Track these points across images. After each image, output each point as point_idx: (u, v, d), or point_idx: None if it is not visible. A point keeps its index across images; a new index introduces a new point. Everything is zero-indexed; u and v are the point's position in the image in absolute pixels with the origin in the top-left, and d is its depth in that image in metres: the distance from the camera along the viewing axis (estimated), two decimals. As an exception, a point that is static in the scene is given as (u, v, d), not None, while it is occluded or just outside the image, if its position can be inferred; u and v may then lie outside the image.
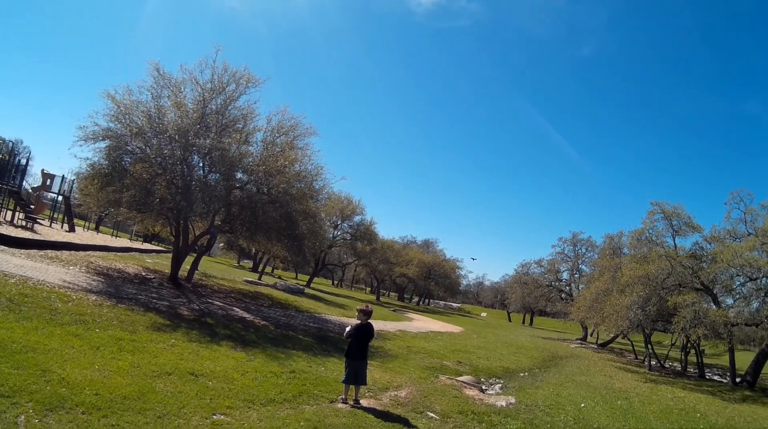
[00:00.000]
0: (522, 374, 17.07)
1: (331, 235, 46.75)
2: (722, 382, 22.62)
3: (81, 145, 15.80)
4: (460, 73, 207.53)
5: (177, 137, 16.09)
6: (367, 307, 8.96)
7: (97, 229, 39.70)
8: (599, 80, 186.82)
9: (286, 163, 17.82)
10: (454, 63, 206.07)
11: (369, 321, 8.70)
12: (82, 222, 40.21)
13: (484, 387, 13.30)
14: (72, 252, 19.02)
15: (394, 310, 38.87)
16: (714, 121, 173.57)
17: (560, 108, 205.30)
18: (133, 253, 27.19)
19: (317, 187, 20.56)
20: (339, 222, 47.99)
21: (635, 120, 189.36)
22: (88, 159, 16.58)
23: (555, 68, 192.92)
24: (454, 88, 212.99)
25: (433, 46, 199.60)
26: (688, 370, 25.40)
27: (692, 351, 25.10)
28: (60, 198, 30.74)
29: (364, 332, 8.57)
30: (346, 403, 8.13)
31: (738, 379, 21.53)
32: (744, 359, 23.86)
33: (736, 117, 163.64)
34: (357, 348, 8.46)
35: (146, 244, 39.73)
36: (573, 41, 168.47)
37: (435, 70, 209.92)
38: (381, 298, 57.97)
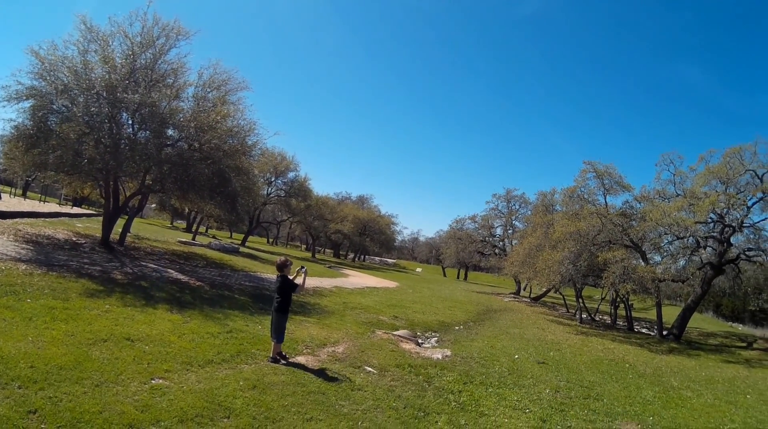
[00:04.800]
0: (457, 327, 17.62)
1: (265, 192, 46.52)
2: (650, 334, 23.96)
3: (4, 106, 15.04)
4: (392, 28, 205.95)
5: (105, 94, 15.44)
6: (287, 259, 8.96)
7: (24, 194, 37.98)
8: (541, 38, 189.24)
9: (218, 118, 17.27)
10: (386, 18, 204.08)
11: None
12: (8, 188, 38.53)
13: (420, 341, 13.69)
14: (-2, 220, 18.25)
15: (329, 267, 39.04)
16: (653, 83, 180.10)
17: (497, 63, 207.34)
18: (62, 218, 26.25)
19: (250, 142, 20.06)
20: (273, 179, 47.76)
21: (576, 77, 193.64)
22: (11, 120, 15.78)
23: (494, 26, 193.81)
24: (388, 43, 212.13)
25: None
26: (618, 323, 26.79)
27: (621, 305, 26.51)
28: (-18, 165, 29.05)
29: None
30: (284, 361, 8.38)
31: (665, 332, 22.81)
32: (671, 313, 25.31)
33: (674, 81, 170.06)
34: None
35: (76, 208, 38.43)
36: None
37: (367, 24, 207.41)
38: (316, 255, 58.07)
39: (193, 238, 32.88)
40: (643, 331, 25.63)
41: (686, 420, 8.97)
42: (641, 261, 23.14)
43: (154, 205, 52.15)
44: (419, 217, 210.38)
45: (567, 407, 8.68)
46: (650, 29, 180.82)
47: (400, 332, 13.48)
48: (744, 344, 23.31)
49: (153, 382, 6.21)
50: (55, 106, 15.62)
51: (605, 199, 25.56)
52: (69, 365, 6.07)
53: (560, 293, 32.31)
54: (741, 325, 39.61)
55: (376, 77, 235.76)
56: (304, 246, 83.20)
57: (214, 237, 44.19)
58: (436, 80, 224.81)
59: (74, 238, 18.09)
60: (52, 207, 32.11)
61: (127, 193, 20.13)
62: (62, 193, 39.51)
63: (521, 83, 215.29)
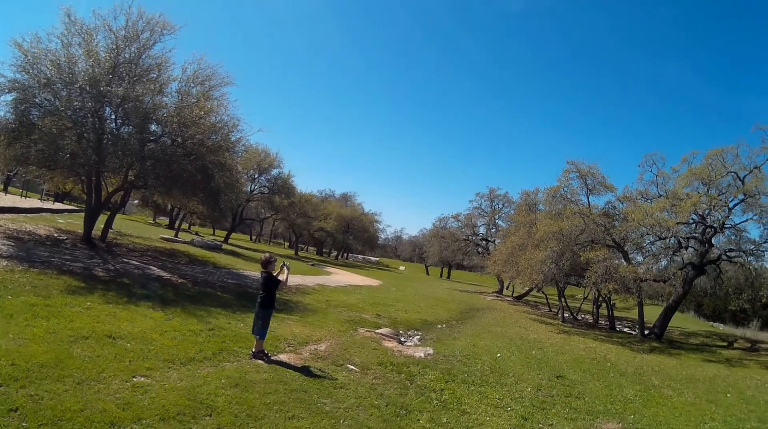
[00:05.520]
0: (440, 326, 17.68)
1: (249, 189, 46.22)
2: (632, 334, 23.95)
3: None
4: (375, 21, 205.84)
5: (88, 88, 15.27)
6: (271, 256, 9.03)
7: (5, 190, 37.38)
8: (527, 34, 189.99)
9: (202, 113, 17.22)
10: (373, 14, 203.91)
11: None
12: (-12, 184, 37.95)
13: (402, 339, 13.74)
14: (-22, 216, 18.01)
15: (312, 265, 39.04)
16: (638, 80, 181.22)
17: (483, 60, 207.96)
18: (44, 213, 25.81)
19: (234, 138, 20.07)
20: (256, 175, 47.37)
21: (562, 74, 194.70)
22: None
23: (481, 21, 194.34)
24: (371, 38, 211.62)
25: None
26: (600, 322, 26.82)
27: (603, 304, 26.52)
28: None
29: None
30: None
31: (646, 332, 22.80)
32: (652, 313, 25.42)
33: (659, 79, 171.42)
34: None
35: (58, 203, 37.85)
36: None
37: (350, 15, 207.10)
38: (299, 253, 57.82)
39: (176, 235, 32.61)
40: (625, 330, 25.65)
41: (667, 418, 9.10)
42: (623, 261, 23.15)
43: (136, 202, 51.62)
44: (403, 215, 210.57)
45: (549, 405, 8.77)
46: (635, 26, 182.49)
47: (383, 330, 13.53)
48: (725, 344, 23.54)
49: (135, 380, 6.20)
50: (37, 100, 15.47)
51: (588, 199, 25.56)
52: (50, 363, 6.04)
53: (543, 292, 32.43)
54: (722, 325, 40.04)
55: (359, 74, 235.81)
56: (287, 243, 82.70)
57: (196, 234, 43.76)
58: (419, 77, 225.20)
59: (56, 234, 17.89)
60: (33, 202, 31.60)
61: (110, 189, 19.92)
62: (44, 189, 38.93)
63: (506, 80, 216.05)
